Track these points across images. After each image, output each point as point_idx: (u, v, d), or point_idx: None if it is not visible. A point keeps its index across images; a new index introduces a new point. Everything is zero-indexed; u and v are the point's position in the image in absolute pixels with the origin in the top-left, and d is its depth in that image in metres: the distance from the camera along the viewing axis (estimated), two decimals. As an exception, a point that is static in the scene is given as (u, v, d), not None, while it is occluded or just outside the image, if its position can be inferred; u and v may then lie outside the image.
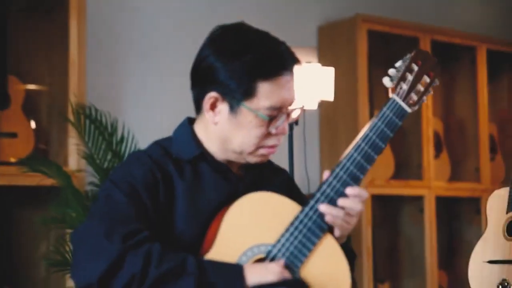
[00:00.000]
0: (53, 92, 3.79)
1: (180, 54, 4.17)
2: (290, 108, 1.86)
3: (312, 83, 3.68)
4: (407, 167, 4.95)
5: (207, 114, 1.84)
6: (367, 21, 4.63)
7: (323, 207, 1.81)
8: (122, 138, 3.59)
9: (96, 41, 3.94)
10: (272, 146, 1.87)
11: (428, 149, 4.87)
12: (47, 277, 3.73)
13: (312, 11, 4.74)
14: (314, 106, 3.75)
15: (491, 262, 3.30)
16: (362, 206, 1.84)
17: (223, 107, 1.83)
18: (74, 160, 3.64)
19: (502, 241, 3.32)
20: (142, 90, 4.13)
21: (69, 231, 3.52)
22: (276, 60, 1.82)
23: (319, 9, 4.78)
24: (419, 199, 4.86)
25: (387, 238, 5.07)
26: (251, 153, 1.85)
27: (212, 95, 1.82)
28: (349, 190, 1.83)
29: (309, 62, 3.73)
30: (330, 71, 3.80)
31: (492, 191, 3.50)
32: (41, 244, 3.77)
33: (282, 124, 1.85)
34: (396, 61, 1.95)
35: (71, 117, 3.58)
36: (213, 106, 1.84)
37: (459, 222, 5.32)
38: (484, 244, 3.39)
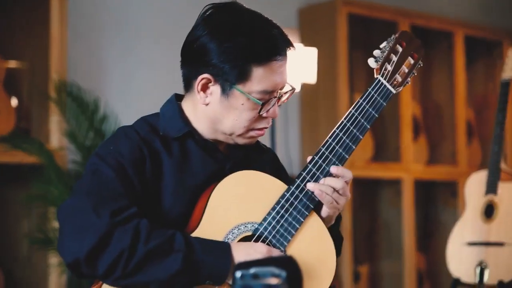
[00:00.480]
0: (34, 69, 3.77)
1: (162, 31, 4.16)
2: (281, 91, 1.85)
3: (294, 65, 3.69)
4: (385, 149, 5.00)
5: (198, 95, 1.84)
6: (347, 4, 4.65)
7: (311, 185, 1.83)
8: (104, 116, 3.59)
9: (78, 18, 3.92)
10: (262, 129, 1.87)
11: (407, 132, 4.92)
12: (29, 255, 3.73)
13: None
14: (297, 88, 3.76)
15: (470, 244, 3.35)
16: (346, 185, 1.85)
17: (214, 89, 1.82)
18: (56, 138, 3.63)
19: (480, 223, 3.37)
20: (124, 67, 4.12)
21: (51, 209, 3.52)
22: (270, 44, 1.81)
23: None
24: (397, 182, 4.91)
25: (366, 220, 5.12)
26: (240, 135, 1.86)
27: (204, 76, 1.81)
28: (333, 169, 1.85)
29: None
30: (312, 52, 3.80)
31: (469, 174, 3.55)
32: (23, 222, 3.77)
33: (273, 107, 1.85)
34: (375, 45, 1.97)
35: (52, 94, 3.58)
36: (204, 87, 1.83)
37: (436, 205, 5.38)
38: (463, 226, 3.44)
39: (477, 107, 5.55)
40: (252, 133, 1.87)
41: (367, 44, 4.99)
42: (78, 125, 3.58)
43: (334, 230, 1.92)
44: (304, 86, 4.14)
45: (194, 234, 1.77)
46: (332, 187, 1.83)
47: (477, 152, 5.46)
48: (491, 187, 3.35)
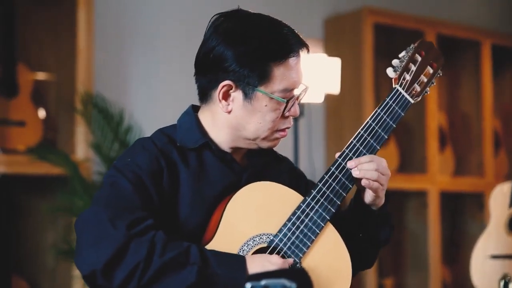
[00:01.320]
0: (61, 81, 3.82)
1: (186, 43, 4.19)
2: (298, 90, 1.87)
3: (318, 75, 3.69)
4: (411, 160, 4.97)
5: (219, 104, 1.84)
6: (373, 13, 4.64)
7: (351, 162, 1.84)
8: (129, 127, 3.61)
9: (104, 30, 3.96)
10: (285, 129, 1.88)
11: (433, 143, 4.89)
12: (55, 266, 3.76)
13: (318, 3, 4.75)
14: (320, 99, 3.75)
15: (493, 257, 3.32)
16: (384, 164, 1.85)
17: (236, 95, 1.83)
18: (81, 149, 3.67)
19: (504, 236, 3.34)
20: (149, 79, 4.15)
21: (76, 220, 3.55)
22: (284, 41, 1.83)
23: (325, 1, 4.79)
24: (423, 194, 4.88)
25: (391, 232, 5.08)
26: (265, 138, 1.86)
27: (225, 83, 1.82)
28: (366, 158, 1.84)
29: (315, 53, 3.72)
30: (336, 62, 3.80)
31: (496, 186, 3.52)
32: (48, 233, 3.80)
33: (294, 106, 1.86)
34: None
35: (78, 106, 3.61)
36: (225, 95, 1.84)
37: (462, 217, 5.33)
38: (487, 239, 3.41)
39: (504, 117, 5.50)
40: (276, 135, 1.87)
41: (392, 54, 4.95)
42: (103, 137, 3.60)
43: (383, 214, 1.91)
44: (328, 97, 4.13)
45: (209, 246, 1.77)
46: (372, 168, 1.83)
47: (504, 163, 5.41)
48: (515, 200, 3.33)
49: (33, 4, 3.84)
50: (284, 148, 2.07)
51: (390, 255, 5.07)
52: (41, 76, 3.84)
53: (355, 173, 1.84)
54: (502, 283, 3.25)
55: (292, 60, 1.83)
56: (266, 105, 1.83)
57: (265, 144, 1.88)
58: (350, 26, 4.66)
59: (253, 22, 1.85)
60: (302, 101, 3.65)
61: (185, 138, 1.88)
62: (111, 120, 3.61)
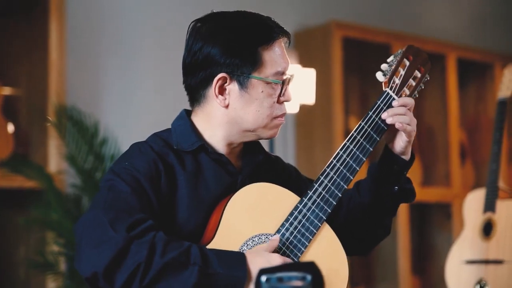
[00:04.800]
0: (32, 94, 3.79)
1: (161, 54, 4.19)
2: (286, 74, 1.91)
3: (293, 85, 3.72)
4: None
5: (216, 99, 1.87)
6: (341, 27, 4.70)
7: (384, 114, 1.91)
8: (104, 139, 3.60)
9: (77, 42, 3.95)
10: (282, 115, 1.92)
11: (401, 155, 4.93)
12: (27, 279, 3.72)
13: (287, 16, 4.79)
14: (296, 109, 3.79)
15: (469, 262, 3.37)
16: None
17: (231, 87, 1.86)
18: (54, 162, 3.64)
19: (479, 241, 3.39)
20: (123, 91, 4.14)
21: (50, 233, 3.52)
22: (266, 26, 1.88)
23: (293, 15, 4.84)
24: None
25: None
26: (265, 127, 1.89)
27: (220, 76, 1.85)
28: (394, 103, 1.93)
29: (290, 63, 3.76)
30: (311, 73, 3.84)
31: (463, 196, 3.58)
32: (21, 247, 3.76)
33: (287, 90, 1.91)
34: (370, 68, 2.02)
35: (52, 118, 3.59)
36: (221, 90, 1.87)
37: (430, 227, 5.40)
38: (461, 244, 3.45)
39: (469, 128, 5.60)
40: (275, 121, 1.90)
41: (362, 67, 5.04)
42: (77, 149, 3.58)
43: (403, 174, 1.99)
44: (301, 107, 4.17)
45: (209, 247, 1.78)
46: (403, 112, 1.91)
47: (470, 173, 5.50)
48: (490, 205, 3.38)
49: (4, 17, 3.81)
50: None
51: (361, 264, 5.11)
52: (10, 91, 3.81)
53: (389, 120, 1.90)
54: (477, 288, 3.31)
55: (277, 44, 1.88)
56: (262, 91, 1.86)
57: (266, 133, 1.91)
58: (319, 39, 4.71)
59: (231, 17, 1.90)
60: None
61: (181, 141, 1.89)
62: (85, 132, 3.60)
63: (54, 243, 3.50)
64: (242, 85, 1.86)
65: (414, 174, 5.17)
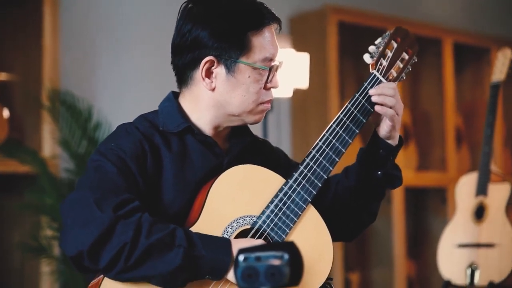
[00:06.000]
0: (27, 79, 3.79)
1: (154, 39, 4.19)
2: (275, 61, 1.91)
3: (286, 70, 3.72)
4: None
5: (203, 82, 1.87)
6: (336, 12, 4.69)
7: (372, 90, 1.90)
8: (98, 124, 3.60)
9: (71, 27, 3.94)
10: (269, 101, 1.91)
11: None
12: (21, 263, 3.73)
13: (283, 1, 4.77)
14: (289, 94, 3.79)
15: (461, 245, 3.38)
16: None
17: (219, 70, 1.86)
18: (48, 147, 3.65)
19: (471, 225, 3.39)
20: (117, 75, 4.13)
21: (44, 217, 3.53)
22: (257, 11, 1.88)
23: (289, 0, 4.83)
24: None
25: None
26: (250, 112, 1.89)
27: (207, 59, 1.85)
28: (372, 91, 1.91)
29: (284, 48, 3.76)
30: (304, 57, 3.83)
31: (459, 180, 3.58)
32: (15, 232, 3.76)
33: (275, 77, 1.90)
34: (365, 52, 2.01)
35: (46, 103, 3.59)
36: (208, 73, 1.86)
37: (425, 212, 5.41)
38: (454, 228, 3.46)
39: (466, 113, 5.60)
40: (261, 107, 1.90)
41: (357, 51, 5.03)
42: (71, 134, 3.58)
43: (390, 159, 1.97)
44: (295, 92, 4.17)
45: (193, 228, 1.79)
46: (391, 94, 1.89)
47: (466, 158, 5.51)
48: (482, 189, 3.38)
49: (-3, 2, 3.81)
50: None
51: (356, 249, 5.12)
52: (4, 76, 3.81)
53: (374, 98, 1.89)
54: (469, 271, 3.32)
55: (267, 30, 1.87)
56: (249, 76, 1.86)
57: (251, 118, 1.91)
58: (315, 24, 4.70)
59: (222, 0, 1.89)
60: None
61: (167, 123, 1.89)
62: (79, 117, 3.60)
63: (48, 227, 3.51)
64: (229, 69, 1.85)
65: (410, 158, 5.18)
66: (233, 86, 1.86)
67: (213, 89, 1.87)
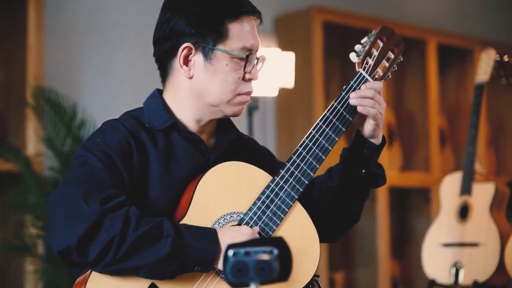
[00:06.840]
0: (11, 77, 3.77)
1: (140, 36, 4.18)
2: (256, 54, 1.90)
3: (272, 69, 3.73)
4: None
5: (181, 69, 1.87)
6: (322, 12, 4.70)
7: (353, 94, 1.90)
8: (82, 122, 3.59)
9: (55, 24, 3.92)
10: (248, 93, 1.90)
11: (381, 139, 4.95)
12: (5, 262, 3.71)
13: (269, 1, 4.77)
14: (275, 93, 3.79)
15: (445, 245, 3.39)
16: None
17: (196, 58, 1.86)
18: (32, 145, 3.63)
19: (455, 224, 3.41)
20: (102, 73, 4.12)
21: (28, 216, 3.51)
22: (236, 1, 1.88)
23: (274, 0, 4.83)
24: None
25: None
26: (229, 102, 1.88)
27: (185, 45, 1.85)
28: (363, 87, 1.91)
29: (269, 47, 3.76)
30: (290, 56, 3.84)
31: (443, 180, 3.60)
32: (-2, 229, 3.75)
33: (254, 68, 1.90)
34: (350, 53, 2.01)
35: (30, 100, 3.57)
36: (186, 60, 1.87)
37: (409, 212, 5.43)
38: (438, 228, 3.48)
39: (450, 114, 5.62)
40: (239, 98, 1.89)
41: (342, 51, 5.04)
42: (55, 132, 3.57)
43: (373, 159, 1.97)
44: (281, 91, 4.18)
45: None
46: (370, 95, 1.89)
47: (450, 158, 5.53)
48: (466, 188, 3.40)
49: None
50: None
51: (340, 249, 5.13)
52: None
53: (352, 102, 1.89)
54: (453, 271, 3.33)
55: (246, 20, 1.87)
56: (226, 65, 1.86)
57: (229, 110, 1.90)
58: (300, 24, 4.71)
59: None
60: (256, 95, 3.69)
61: (152, 120, 1.90)
62: (64, 115, 3.59)
63: (32, 226, 3.50)
64: (207, 56, 1.86)
65: (394, 159, 5.20)
66: (211, 74, 1.86)
67: (191, 77, 1.87)
